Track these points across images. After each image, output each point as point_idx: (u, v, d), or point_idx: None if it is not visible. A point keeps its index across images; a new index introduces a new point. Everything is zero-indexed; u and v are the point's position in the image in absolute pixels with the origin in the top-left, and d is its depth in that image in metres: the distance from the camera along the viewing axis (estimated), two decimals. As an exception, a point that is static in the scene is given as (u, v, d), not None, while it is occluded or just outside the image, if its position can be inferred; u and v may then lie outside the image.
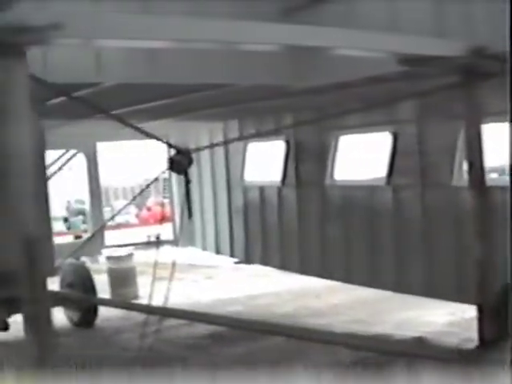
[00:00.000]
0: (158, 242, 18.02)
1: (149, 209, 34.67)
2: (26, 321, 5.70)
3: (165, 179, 16.64)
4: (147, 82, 9.56)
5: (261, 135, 15.20)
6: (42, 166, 6.01)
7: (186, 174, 8.86)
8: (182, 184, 16.11)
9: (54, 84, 7.19)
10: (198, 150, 11.57)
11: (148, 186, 15.95)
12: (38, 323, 5.58)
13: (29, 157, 5.54)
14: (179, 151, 8.82)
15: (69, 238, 23.90)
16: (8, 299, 12.21)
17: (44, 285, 5.58)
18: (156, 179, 12.69)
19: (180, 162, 8.74)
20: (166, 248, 17.00)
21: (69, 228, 31.51)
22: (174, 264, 9.23)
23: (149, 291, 14.78)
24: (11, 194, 5.51)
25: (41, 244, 5.42)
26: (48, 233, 8.65)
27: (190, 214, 8.95)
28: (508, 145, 6.33)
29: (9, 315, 12.69)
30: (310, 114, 13.62)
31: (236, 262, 18.96)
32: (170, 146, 9.57)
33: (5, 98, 5.49)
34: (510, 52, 6.03)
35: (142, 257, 18.82)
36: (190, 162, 8.86)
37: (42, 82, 6.31)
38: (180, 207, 17.57)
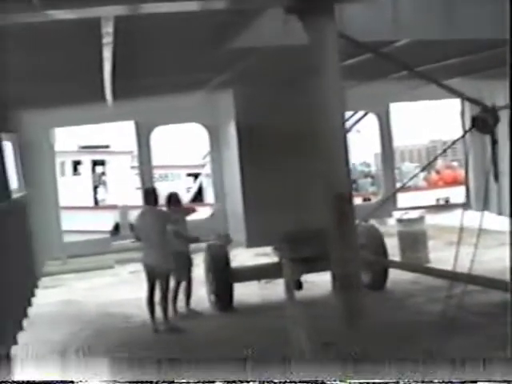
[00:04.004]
0: (451, 206, 17.53)
1: (438, 171, 33.96)
2: (336, 279, 5.64)
3: (454, 141, 16.06)
4: (443, 38, 9.16)
5: None
6: (342, 127, 5.92)
7: (492, 134, 8.35)
8: (478, 145, 15.52)
9: (363, 42, 7.04)
10: (505, 107, 10.91)
11: (449, 147, 15.45)
12: (349, 282, 5.49)
13: (337, 116, 5.43)
14: (485, 109, 8.30)
15: (357, 200, 24.03)
16: (304, 259, 12.51)
17: (355, 243, 5.48)
18: (456, 140, 12.19)
19: (486, 121, 8.24)
20: (457, 212, 16.51)
21: (356, 190, 31.69)
22: (480, 229, 8.75)
23: (440, 256, 14.44)
24: (321, 154, 5.44)
25: (351, 203, 5.33)
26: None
27: (497, 177, 8.45)
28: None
29: (302, 274, 12.97)
30: None
31: (529, 228, 18.03)
32: (476, 103, 8.99)
33: (315, 56, 5.41)
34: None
35: (431, 220, 18.48)
36: (496, 120, 8.33)
37: (350, 39, 6.16)
38: (476, 170, 16.94)
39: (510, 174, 6.71)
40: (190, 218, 14.64)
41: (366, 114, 16.77)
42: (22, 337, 11.50)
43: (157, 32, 7.49)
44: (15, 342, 10.95)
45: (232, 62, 10.08)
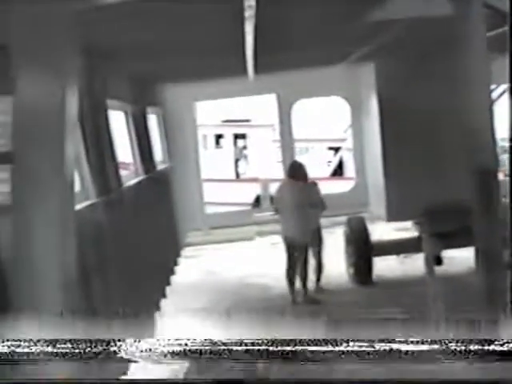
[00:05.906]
0: None
1: None
2: (480, 255, 5.54)
3: None
4: None
5: None
6: (489, 100, 5.77)
7: None
8: None
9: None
10: None
11: None
12: (493, 258, 5.38)
13: (483, 89, 5.31)
14: None
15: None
16: (444, 234, 12.30)
17: (500, 219, 5.36)
18: None
19: None
20: None
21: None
22: None
23: None
24: (466, 128, 5.33)
25: (496, 178, 5.22)
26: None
27: None
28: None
29: (442, 250, 12.76)
30: None
31: None
32: None
33: (459, 27, 5.29)
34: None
35: None
36: None
37: (496, 9, 6.00)
38: None
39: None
40: (332, 191, 14.65)
41: (506, 90, 16.28)
42: (164, 303, 11.87)
43: (298, 5, 7.49)
44: (158, 309, 11.32)
45: (374, 34, 9.97)
